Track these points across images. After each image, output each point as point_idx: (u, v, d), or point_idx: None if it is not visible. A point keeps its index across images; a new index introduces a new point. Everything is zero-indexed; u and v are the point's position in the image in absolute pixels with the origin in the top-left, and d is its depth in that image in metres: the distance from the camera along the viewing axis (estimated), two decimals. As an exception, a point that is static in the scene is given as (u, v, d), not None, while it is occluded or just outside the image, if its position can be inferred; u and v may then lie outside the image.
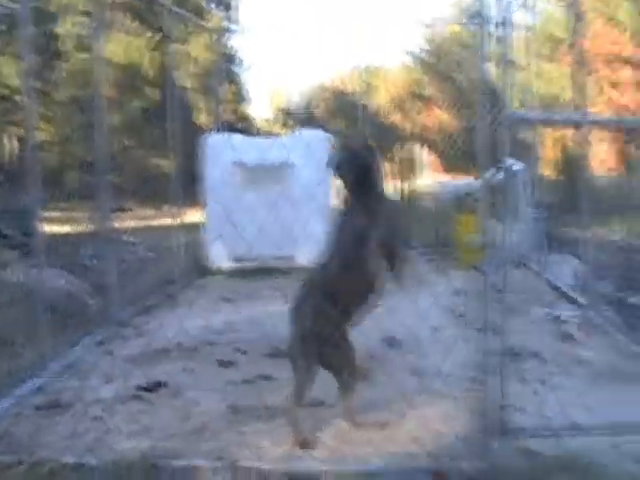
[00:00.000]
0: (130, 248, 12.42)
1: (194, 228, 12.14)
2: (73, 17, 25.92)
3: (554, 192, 14.43)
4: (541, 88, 16.30)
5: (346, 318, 4.83)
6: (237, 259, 11.03)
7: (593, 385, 5.44)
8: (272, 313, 6.84)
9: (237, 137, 10.85)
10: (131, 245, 12.57)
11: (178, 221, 10.87)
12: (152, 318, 8.56)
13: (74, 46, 25.96)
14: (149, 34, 26.46)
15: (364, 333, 5.36)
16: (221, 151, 9.28)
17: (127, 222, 14.55)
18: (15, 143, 25.32)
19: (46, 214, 11.75)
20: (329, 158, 4.95)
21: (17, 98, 24.87)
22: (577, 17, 7.54)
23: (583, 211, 7.60)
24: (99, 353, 7.17)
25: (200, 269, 11.47)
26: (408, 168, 18.07)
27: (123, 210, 18.01)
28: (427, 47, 30.54)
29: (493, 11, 4.50)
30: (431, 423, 4.80)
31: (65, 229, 11.13)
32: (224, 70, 29.21)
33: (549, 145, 19.27)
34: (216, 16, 29.70)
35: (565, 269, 8.99)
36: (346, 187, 4.79)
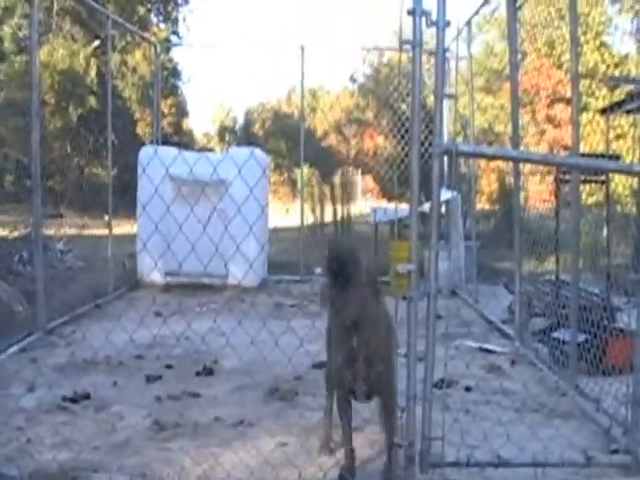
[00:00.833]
0: (59, 256, 12.24)
1: (128, 240, 12.05)
2: (14, 20, 25.58)
3: (487, 223, 14.66)
4: (478, 119, 16.61)
5: None
6: (168, 274, 10.97)
7: (517, 417, 5.51)
8: (202, 329, 6.83)
9: (170, 150, 10.79)
10: (60, 253, 12.38)
11: (109, 232, 10.76)
12: (80, 328, 8.47)
13: (13, 49, 25.63)
14: (91, 42, 26.26)
15: (294, 357, 5.36)
16: (154, 164, 9.22)
17: (61, 230, 14.33)
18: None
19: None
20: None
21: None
22: (514, 51, 7.69)
23: (516, 245, 7.72)
24: (23, 361, 7.05)
25: (132, 282, 11.36)
26: (346, 193, 18.19)
27: (57, 216, 17.79)
28: (368, 72, 30.84)
29: (428, 40, 4.57)
30: (355, 450, 4.80)
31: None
32: (164, 82, 29.17)
33: (486, 177, 19.57)
34: (160, 29, 29.59)
35: (495, 301, 9.10)
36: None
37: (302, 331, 5.29)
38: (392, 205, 13.18)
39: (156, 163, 9.37)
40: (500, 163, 19.02)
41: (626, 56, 19.54)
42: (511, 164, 9.03)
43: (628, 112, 9.67)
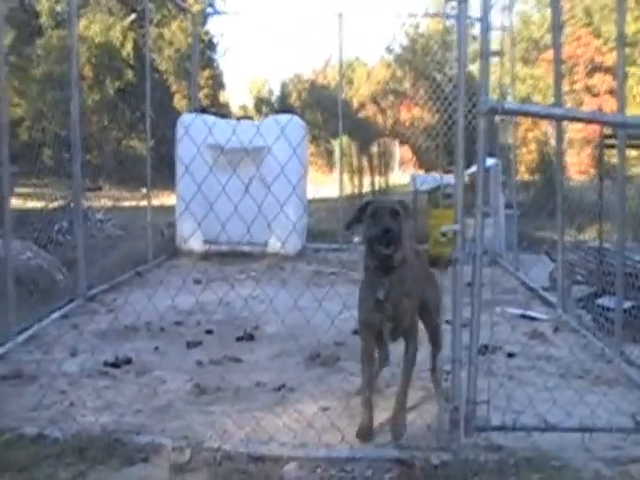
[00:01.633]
0: (99, 225, 12.30)
1: (165, 211, 12.06)
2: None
3: (527, 193, 14.51)
4: (517, 89, 16.41)
5: None
6: (208, 242, 10.95)
7: (562, 383, 5.42)
8: (242, 296, 6.82)
9: (210, 118, 10.75)
10: (99, 222, 12.43)
11: (150, 202, 10.77)
12: (121, 295, 8.50)
13: (52, 23, 25.67)
14: (127, 15, 26.25)
15: (338, 322, 5.32)
16: (194, 132, 9.17)
17: (101, 201, 14.41)
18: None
19: (22, 190, 11.72)
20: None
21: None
22: (556, 22, 7.54)
23: (558, 212, 7.60)
24: (65, 327, 7.10)
25: (171, 250, 11.38)
26: (383, 163, 18.10)
27: (96, 189, 17.87)
28: (405, 43, 30.54)
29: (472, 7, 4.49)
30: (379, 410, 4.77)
31: (33, 204, 11.01)
32: (200, 55, 29.13)
33: (525, 147, 19.37)
34: (196, 1, 29.51)
35: (538, 269, 8.98)
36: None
37: (342, 298, 5.23)
38: (432, 174, 13.11)
39: (195, 130, 9.34)
40: (539, 133, 18.84)
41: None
42: (552, 132, 8.88)
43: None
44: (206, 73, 29.84)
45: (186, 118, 11.38)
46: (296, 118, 11.33)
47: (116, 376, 5.67)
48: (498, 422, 4.35)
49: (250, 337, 6.78)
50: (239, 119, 16.33)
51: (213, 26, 30.55)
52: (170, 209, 12.06)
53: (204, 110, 18.56)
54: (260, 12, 22.35)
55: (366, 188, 16.72)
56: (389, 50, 30.37)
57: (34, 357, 6.08)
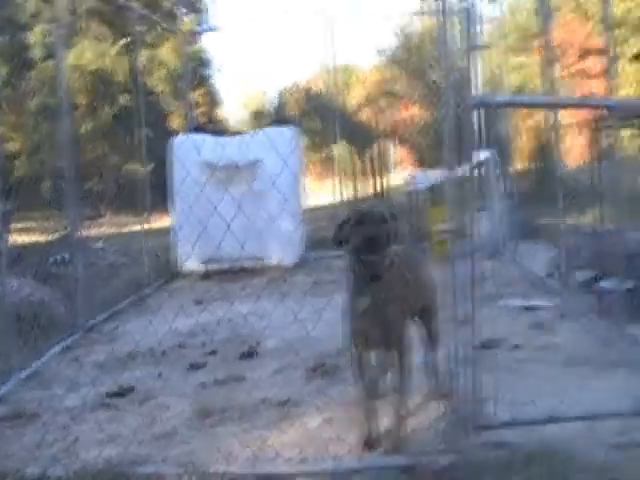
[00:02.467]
0: (99, 254, 12.25)
1: (166, 232, 12.01)
2: (42, 25, 25.66)
3: (525, 181, 14.41)
4: (510, 79, 16.34)
5: None
6: (206, 261, 10.89)
7: (565, 371, 5.34)
8: (243, 313, 6.78)
9: (202, 137, 10.72)
10: (100, 251, 12.39)
11: (147, 226, 10.73)
12: (121, 323, 8.45)
13: (42, 54, 25.72)
14: (118, 40, 26.28)
15: (336, 332, 5.25)
16: (186, 152, 9.16)
17: (101, 228, 14.40)
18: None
19: (19, 225, 11.72)
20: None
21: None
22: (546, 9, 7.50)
23: (559, 197, 7.54)
24: (66, 360, 7.05)
25: (170, 273, 11.33)
26: (381, 165, 18.03)
27: (98, 217, 17.88)
28: (396, 44, 30.42)
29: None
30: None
31: (35, 238, 10.99)
32: (194, 73, 29.11)
33: (522, 135, 19.26)
34: (186, 20, 29.54)
35: (538, 257, 8.91)
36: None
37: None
38: (428, 172, 13.04)
39: (186, 150, 9.34)
40: (536, 120, 18.73)
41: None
42: (549, 119, 8.81)
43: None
44: (201, 90, 29.80)
45: (177, 140, 11.34)
46: (286, 130, 11.26)
47: (118, 407, 5.61)
48: (503, 418, 4.29)
49: (253, 354, 6.71)
50: (233, 134, 16.35)
51: (206, 43, 30.50)
52: (168, 230, 12.00)
53: (201, 129, 18.56)
54: (251, 24, 22.25)
55: (365, 191, 16.65)
56: (381, 52, 30.29)
57: (35, 395, 6.02)
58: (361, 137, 22.99)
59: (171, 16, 27.15)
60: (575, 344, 5.98)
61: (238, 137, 11.74)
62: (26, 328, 7.28)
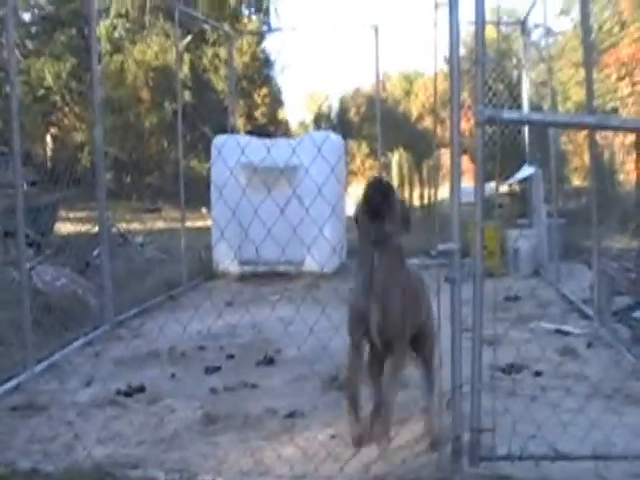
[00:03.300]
0: (139, 249, 12.28)
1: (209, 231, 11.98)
2: (108, 20, 26.01)
3: (579, 200, 14.09)
4: (577, 94, 16.00)
5: None
6: (244, 263, 10.83)
7: (584, 404, 5.10)
8: (275, 318, 6.69)
9: (245, 138, 10.66)
10: (140, 246, 12.42)
11: (182, 223, 10.73)
12: (149, 320, 8.42)
13: (109, 48, 26.02)
14: (183, 37, 26.48)
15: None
16: (228, 152, 9.09)
17: (146, 224, 14.46)
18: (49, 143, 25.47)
19: (74, 214, 11.80)
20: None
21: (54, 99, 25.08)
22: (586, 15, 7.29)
23: (593, 219, 7.30)
24: (85, 354, 7.03)
25: (208, 272, 11.28)
26: (440, 175, 17.86)
27: (156, 210, 18.01)
28: (463, 52, 30.24)
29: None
30: (406, 442, 4.55)
31: (84, 228, 11.04)
32: (257, 73, 29.21)
33: (582, 153, 18.87)
34: (252, 20, 29.65)
35: (579, 280, 8.64)
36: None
37: None
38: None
39: (228, 150, 9.26)
40: (597, 138, 18.32)
41: None
42: (605, 138, 8.59)
43: None
44: (264, 91, 29.89)
45: (219, 139, 11.29)
46: (333, 135, 11.16)
47: (126, 405, 5.57)
48: (504, 450, 4.10)
49: (270, 361, 6.60)
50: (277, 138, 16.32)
51: (270, 44, 30.59)
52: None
53: (260, 132, 18.64)
54: (315, 27, 22.24)
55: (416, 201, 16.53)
56: (446, 60, 30.05)
57: (49, 387, 6.03)
58: (421, 145, 22.86)
59: (237, 15, 27.37)
60: (601, 375, 5.73)
61: (283, 140, 11.68)
62: (53, 319, 7.30)
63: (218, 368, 6.43)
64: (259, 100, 29.64)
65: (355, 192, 12.44)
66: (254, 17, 30.23)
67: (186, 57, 25.91)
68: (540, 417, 4.64)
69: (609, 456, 4.08)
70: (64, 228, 12.01)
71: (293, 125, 35.90)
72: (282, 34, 32.71)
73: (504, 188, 12.47)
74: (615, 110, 8.45)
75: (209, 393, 5.80)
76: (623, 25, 9.03)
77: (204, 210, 18.02)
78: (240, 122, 25.40)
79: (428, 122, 29.10)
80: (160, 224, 15.20)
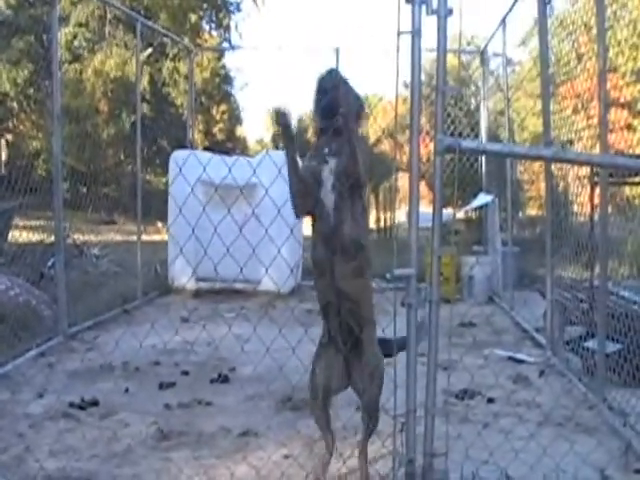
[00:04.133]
0: (94, 261, 12.19)
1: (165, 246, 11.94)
2: (68, 28, 25.79)
3: (534, 229, 14.29)
4: (533, 124, 16.25)
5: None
6: (201, 279, 10.81)
7: (536, 431, 5.17)
8: (231, 336, 6.69)
9: (203, 154, 10.65)
10: (95, 258, 12.33)
11: (138, 237, 10.69)
12: (103, 333, 8.37)
13: (68, 57, 25.83)
14: (143, 49, 26.40)
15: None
16: (184, 167, 9.03)
17: (102, 235, 14.38)
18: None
19: (37, 222, 11.68)
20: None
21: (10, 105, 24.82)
22: (545, 46, 7.45)
23: (547, 249, 7.43)
24: (39, 365, 6.97)
25: (164, 287, 11.23)
26: (393, 198, 17.97)
27: (111, 222, 17.89)
28: (423, 78, 30.43)
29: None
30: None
31: (38, 238, 10.95)
32: (217, 89, 29.18)
33: (538, 182, 19.13)
34: (213, 36, 29.63)
35: (533, 308, 8.75)
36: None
37: None
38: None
39: (184, 165, 9.21)
40: (553, 168, 18.58)
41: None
42: (561, 169, 8.71)
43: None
44: (222, 107, 29.88)
45: (179, 154, 11.27)
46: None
47: (80, 418, 5.53)
48: (457, 475, 4.15)
49: (224, 379, 6.60)
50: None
51: (229, 61, 30.59)
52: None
53: (217, 148, 18.57)
54: (274, 46, 22.21)
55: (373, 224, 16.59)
56: (406, 85, 30.27)
57: (0, 397, 5.96)
58: (378, 168, 22.94)
59: (197, 30, 27.32)
60: (552, 404, 5.81)
61: (242, 158, 11.66)
62: (5, 329, 7.23)
63: (172, 384, 6.42)
64: (217, 116, 29.62)
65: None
66: (214, 33, 30.22)
67: (145, 70, 25.86)
68: (492, 443, 4.68)
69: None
70: (18, 237, 11.90)
71: (251, 142, 35.93)
72: (243, 51, 32.65)
73: (460, 215, 12.59)
74: (570, 142, 8.60)
75: (163, 409, 5.79)
76: (580, 58, 9.20)
77: (159, 224, 17.98)
78: (198, 137, 25.35)
79: (386, 145, 29.21)
80: (116, 237, 15.13)
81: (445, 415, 4.64)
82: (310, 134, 34.51)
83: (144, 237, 11.22)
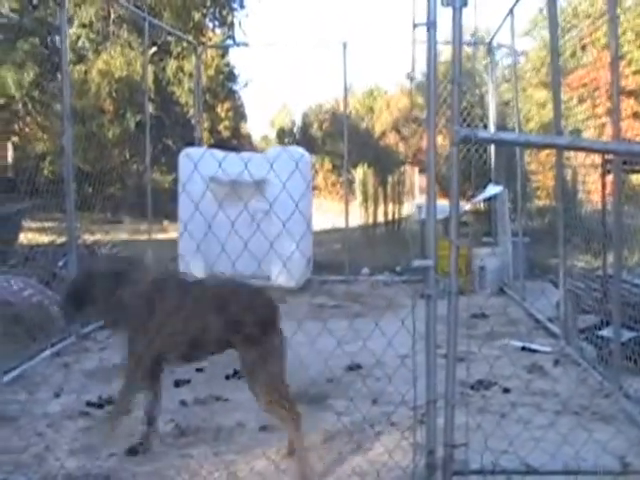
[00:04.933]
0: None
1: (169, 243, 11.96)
2: (72, 29, 25.78)
3: (543, 219, 14.26)
4: (539, 114, 16.20)
5: None
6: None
7: (553, 420, 5.18)
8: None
9: (214, 152, 10.65)
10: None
11: (148, 235, 10.70)
12: (116, 332, 8.35)
13: (73, 58, 25.82)
14: (148, 48, 26.37)
15: (330, 359, 5.10)
16: (192, 165, 9.09)
17: (110, 235, 14.38)
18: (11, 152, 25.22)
19: (37, 224, 11.70)
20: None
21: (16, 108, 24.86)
22: (555, 36, 7.42)
23: (560, 239, 7.42)
24: (55, 365, 6.99)
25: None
26: (400, 192, 17.95)
27: (117, 222, 17.91)
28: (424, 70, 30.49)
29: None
30: (379, 456, 4.58)
31: (48, 239, 10.97)
32: (221, 87, 29.16)
33: (547, 172, 19.07)
34: (217, 34, 29.59)
35: (546, 298, 8.72)
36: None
37: (341, 332, 5.21)
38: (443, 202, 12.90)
39: (199, 163, 9.22)
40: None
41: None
42: (568, 159, 8.70)
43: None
44: (227, 105, 29.85)
45: (191, 151, 11.27)
46: (297, 150, 11.13)
47: (97, 417, 5.53)
48: (477, 465, 4.15)
49: (240, 375, 6.59)
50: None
51: (233, 58, 30.53)
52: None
53: (223, 145, 18.59)
54: (279, 43, 22.25)
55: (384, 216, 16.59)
56: (410, 78, 30.28)
57: (18, 397, 5.98)
58: (384, 162, 22.95)
59: (201, 28, 27.28)
60: (568, 393, 5.81)
61: (248, 154, 11.65)
62: (20, 329, 7.24)
63: (188, 381, 6.42)
64: (222, 114, 29.60)
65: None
66: (218, 31, 30.16)
67: (150, 69, 25.84)
68: (511, 433, 4.69)
69: (579, 471, 4.13)
70: (27, 238, 11.93)
71: (256, 139, 35.96)
72: (246, 49, 32.63)
73: (469, 206, 12.57)
74: (578, 131, 8.60)
75: (180, 406, 5.80)
76: (584, 48, 9.20)
77: (165, 222, 17.97)
78: (204, 135, 25.35)
79: (391, 139, 29.20)
80: (123, 235, 15.13)
81: (465, 406, 4.64)
82: (315, 129, 34.61)
83: (152, 236, 11.22)
